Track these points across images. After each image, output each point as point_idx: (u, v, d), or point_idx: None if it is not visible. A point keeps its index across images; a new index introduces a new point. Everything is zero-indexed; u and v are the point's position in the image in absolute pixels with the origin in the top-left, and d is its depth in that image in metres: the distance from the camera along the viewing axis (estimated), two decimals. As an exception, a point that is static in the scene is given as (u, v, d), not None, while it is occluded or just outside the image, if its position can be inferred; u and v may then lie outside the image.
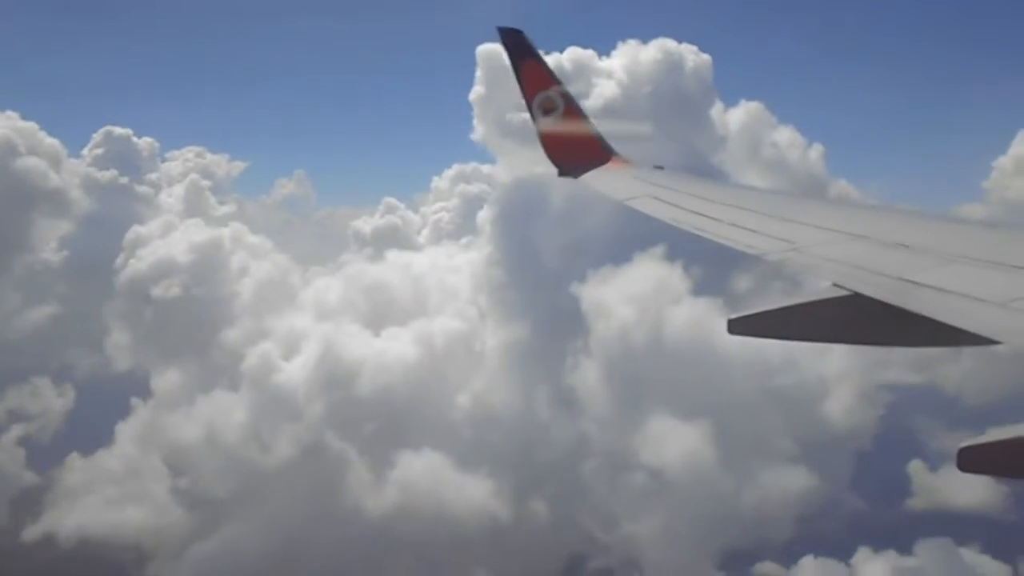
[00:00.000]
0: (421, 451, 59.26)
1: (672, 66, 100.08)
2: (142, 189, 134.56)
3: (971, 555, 58.23)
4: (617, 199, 9.30)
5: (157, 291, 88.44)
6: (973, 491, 77.70)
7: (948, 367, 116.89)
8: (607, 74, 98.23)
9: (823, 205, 8.04)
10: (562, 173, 11.14)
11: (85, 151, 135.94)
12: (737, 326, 5.19)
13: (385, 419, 61.86)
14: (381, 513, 54.74)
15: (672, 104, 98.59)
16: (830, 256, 5.70)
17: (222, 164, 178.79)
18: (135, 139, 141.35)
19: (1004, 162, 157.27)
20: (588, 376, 68.81)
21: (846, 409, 71.34)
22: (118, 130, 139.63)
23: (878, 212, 7.14)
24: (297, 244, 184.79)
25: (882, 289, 4.86)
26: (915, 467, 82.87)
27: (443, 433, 61.99)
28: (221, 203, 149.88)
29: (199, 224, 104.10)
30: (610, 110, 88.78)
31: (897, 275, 4.97)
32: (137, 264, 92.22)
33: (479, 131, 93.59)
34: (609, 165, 10.89)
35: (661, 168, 10.55)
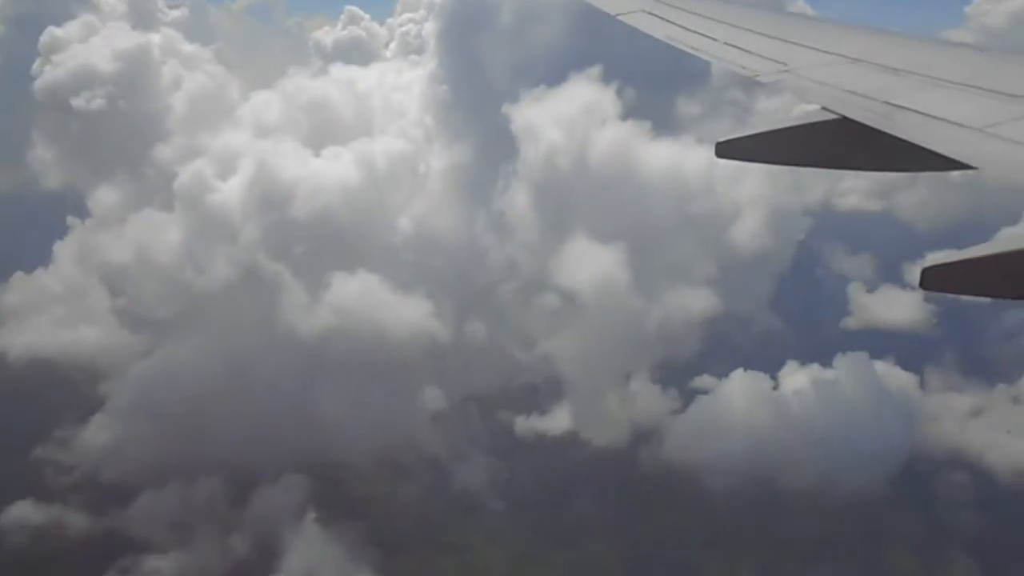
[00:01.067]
0: (357, 273, 60.03)
1: None
2: None
3: (885, 367, 61.82)
4: (609, 12, 8.93)
5: (79, 103, 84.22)
6: (904, 310, 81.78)
7: (906, 194, 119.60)
8: None
9: (820, 26, 7.77)
10: None
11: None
12: (725, 150, 5.21)
13: (322, 241, 61.96)
14: (318, 334, 56.15)
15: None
16: (821, 79, 5.64)
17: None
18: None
19: None
20: (517, 199, 69.35)
21: (763, 232, 72.59)
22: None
23: (872, 35, 6.99)
24: (259, 56, 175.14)
25: (869, 113, 4.83)
26: (854, 287, 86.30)
27: (382, 256, 62.38)
28: (172, 7, 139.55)
29: (124, 28, 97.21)
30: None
31: (884, 99, 4.95)
32: (55, 71, 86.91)
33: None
34: None
35: None
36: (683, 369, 65.48)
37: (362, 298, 58.30)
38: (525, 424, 61.49)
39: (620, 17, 8.65)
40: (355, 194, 68.94)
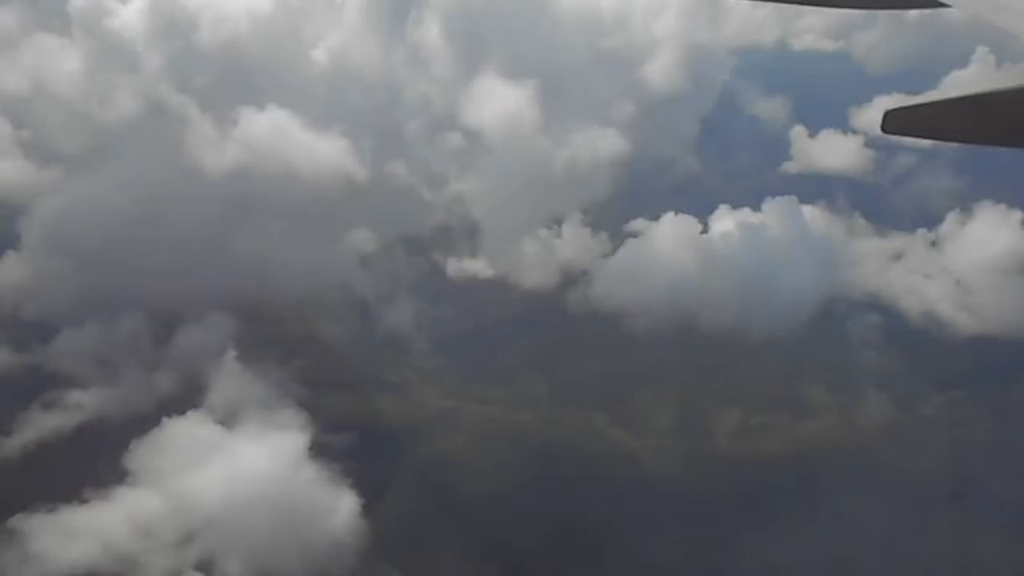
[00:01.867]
0: (268, 108, 57.28)
1: None
2: None
3: (814, 212, 62.48)
4: None
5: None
6: (844, 156, 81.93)
7: (862, 35, 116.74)
8: None
9: None
10: None
11: None
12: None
13: (231, 73, 58.46)
14: (228, 171, 54.12)
15: None
16: None
17: None
18: None
19: None
20: (430, 33, 66.17)
21: (685, 71, 70.66)
22: None
23: None
24: None
25: None
26: (796, 132, 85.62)
27: (294, 90, 59.34)
28: None
29: None
30: None
31: None
32: None
33: None
34: None
35: None
36: (616, 213, 65.47)
37: (273, 134, 55.92)
38: (456, 267, 61.62)
39: None
40: (266, 23, 65.07)
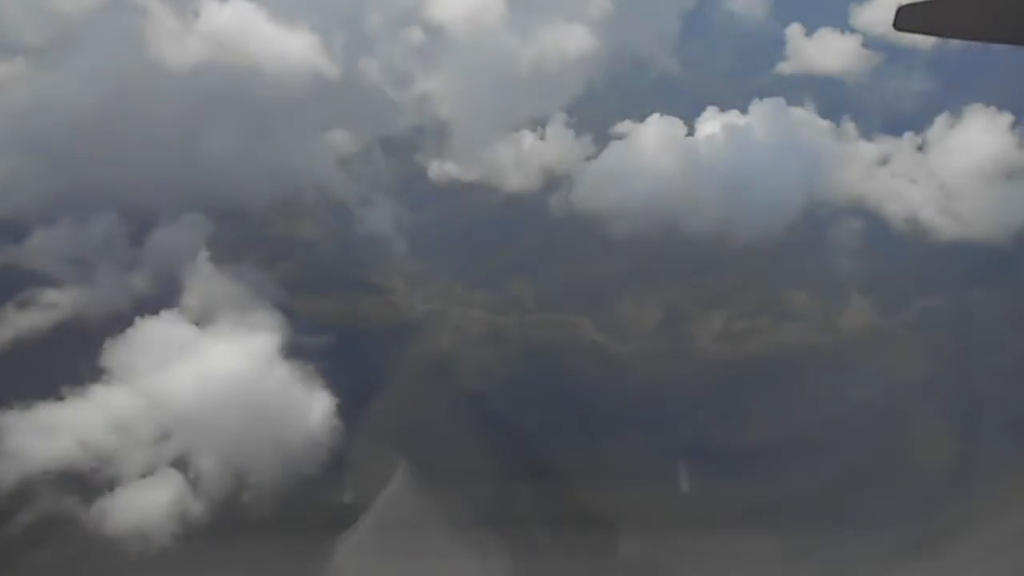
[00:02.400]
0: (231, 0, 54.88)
1: None
2: None
3: (803, 114, 61.10)
4: None
5: None
6: (840, 57, 79.38)
7: None
8: None
9: None
10: None
11: None
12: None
13: None
14: (191, 66, 52.18)
15: None
16: None
17: None
18: None
19: None
20: None
21: None
22: None
23: None
24: None
25: None
26: (792, 30, 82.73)
27: None
28: None
29: None
30: None
31: None
32: None
33: None
34: None
35: None
36: (602, 115, 63.99)
37: (237, 28, 54.00)
38: (438, 169, 60.61)
39: None
40: None
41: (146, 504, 34.22)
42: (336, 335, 46.40)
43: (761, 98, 60.19)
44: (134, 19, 53.72)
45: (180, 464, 36.00)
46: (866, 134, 61.19)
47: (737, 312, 53.12)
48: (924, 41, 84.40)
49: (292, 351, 41.56)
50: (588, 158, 60.07)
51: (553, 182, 59.16)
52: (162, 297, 44.92)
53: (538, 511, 34.91)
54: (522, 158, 60.45)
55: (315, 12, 55.91)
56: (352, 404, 40.09)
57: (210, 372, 38.37)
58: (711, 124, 59.87)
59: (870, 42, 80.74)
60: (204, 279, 45.90)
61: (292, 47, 54.81)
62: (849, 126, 61.71)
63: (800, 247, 56.17)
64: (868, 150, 60.43)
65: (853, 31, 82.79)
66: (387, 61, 58.98)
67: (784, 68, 78.09)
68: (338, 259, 53.96)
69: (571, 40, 61.60)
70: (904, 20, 3.59)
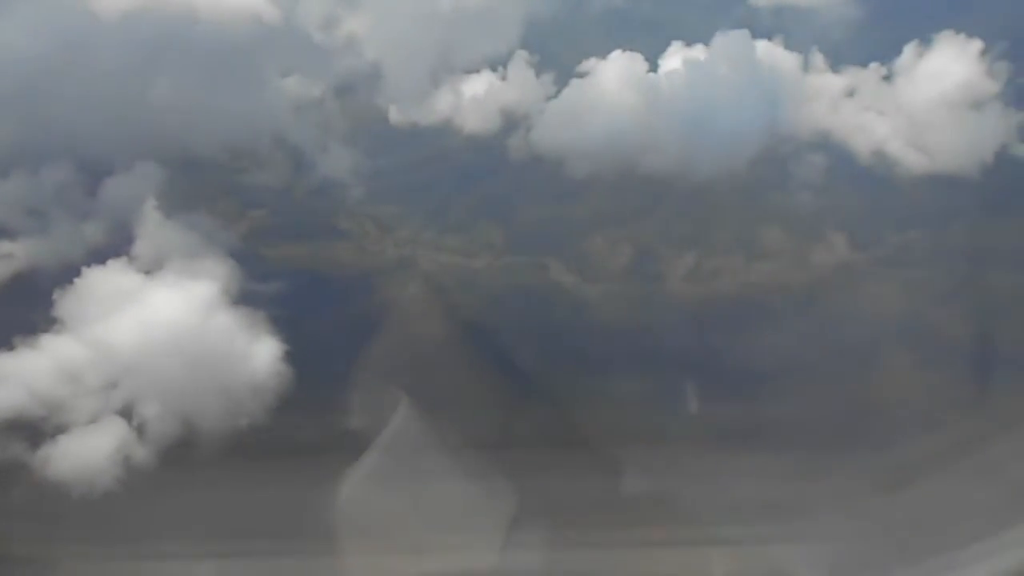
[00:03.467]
0: None
1: None
2: None
3: (768, 47, 59.44)
4: None
5: None
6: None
7: None
8: None
9: None
10: None
11: None
12: None
13: None
14: (126, 12, 51.08)
15: None
16: None
17: None
18: None
19: None
20: None
21: None
22: None
23: None
24: None
25: None
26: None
27: None
28: None
29: None
30: None
31: None
32: None
33: None
34: None
35: None
36: (564, 53, 62.56)
37: None
38: (396, 113, 59.70)
39: None
40: None
41: (91, 450, 34.91)
42: (291, 282, 46.69)
43: (725, 31, 58.45)
44: None
45: (126, 412, 36.77)
46: (834, 66, 59.79)
47: (706, 251, 52.71)
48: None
49: (242, 299, 42.07)
50: (549, 98, 58.91)
51: (513, 123, 58.28)
52: (113, 247, 45.07)
53: (534, 437, 35.67)
54: (482, 99, 59.38)
55: None
56: (301, 350, 40.63)
57: (155, 321, 38.69)
58: (674, 60, 58.46)
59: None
60: (155, 228, 45.88)
61: None
62: (818, 57, 60.18)
63: (765, 182, 55.62)
64: (835, 82, 59.12)
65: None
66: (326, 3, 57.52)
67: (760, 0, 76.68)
68: (295, 205, 53.64)
69: None
70: None
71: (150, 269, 43.93)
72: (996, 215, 52.34)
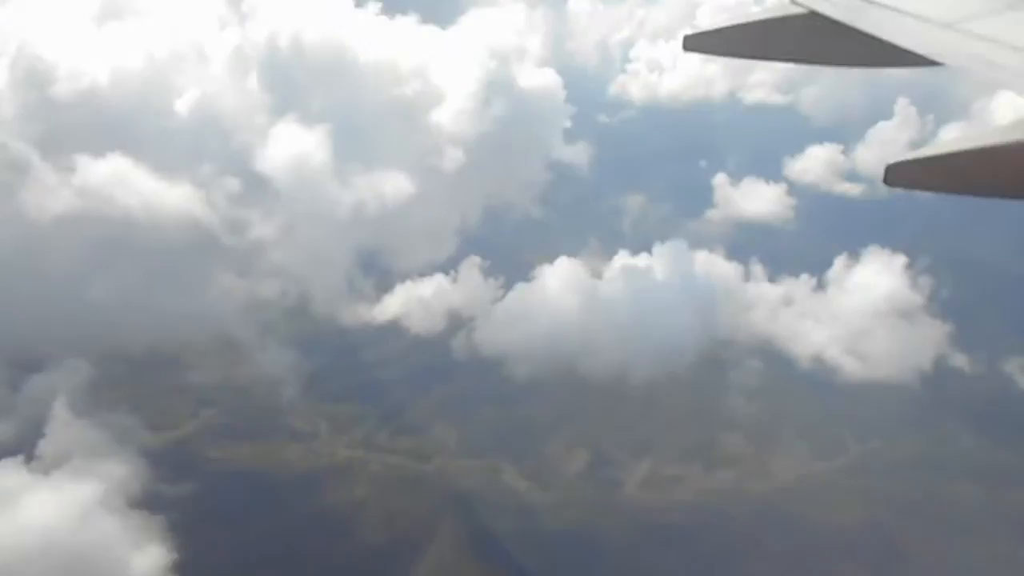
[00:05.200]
0: (109, 156, 57.30)
1: None
2: None
3: (709, 257, 61.69)
4: None
5: None
6: (765, 204, 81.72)
7: (808, 88, 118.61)
8: None
9: None
10: None
11: None
12: (693, 42, 5.18)
13: (85, 124, 59.01)
14: (68, 217, 53.79)
15: None
16: None
17: None
18: None
19: None
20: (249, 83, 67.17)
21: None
22: None
23: None
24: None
25: (837, 8, 4.87)
26: (720, 180, 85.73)
27: (150, 139, 59.64)
28: None
29: None
30: None
31: None
32: None
33: None
34: None
35: None
36: (518, 259, 65.07)
37: (114, 181, 56.13)
38: (349, 313, 60.89)
39: None
40: (131, 76, 66.49)
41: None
42: (202, 483, 45.04)
43: (665, 241, 60.83)
44: (14, 174, 55.85)
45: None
46: (772, 276, 61.70)
47: (658, 457, 51.58)
48: (848, 189, 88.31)
49: (145, 501, 40.21)
50: (495, 300, 60.18)
51: (459, 324, 59.08)
52: (17, 445, 43.76)
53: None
54: (431, 301, 60.66)
55: (202, 166, 58.12)
56: (195, 559, 38.29)
57: (39, 522, 36.67)
58: (617, 266, 60.40)
59: (795, 190, 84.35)
60: (63, 426, 44.81)
61: (170, 198, 56.61)
62: (757, 268, 62.30)
63: (701, 387, 55.31)
64: (775, 291, 60.64)
65: (785, 181, 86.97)
66: (269, 208, 60.34)
67: (714, 215, 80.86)
68: (251, 406, 53.01)
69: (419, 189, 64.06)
70: (893, 177, 3.75)
71: (48, 469, 42.61)
72: (939, 424, 51.80)
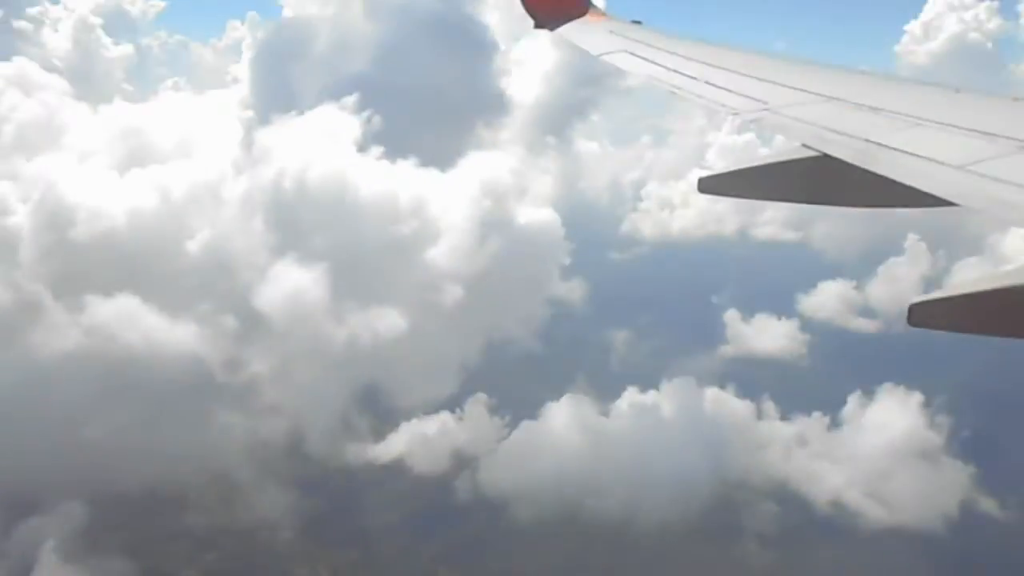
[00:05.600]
0: (117, 296, 58.94)
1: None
2: (19, 24, 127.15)
3: (720, 395, 60.55)
4: (593, 53, 9.21)
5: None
6: (777, 340, 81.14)
7: (820, 225, 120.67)
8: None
9: (796, 65, 7.82)
10: (538, 25, 10.74)
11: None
12: (707, 184, 5.25)
13: (99, 264, 61.06)
14: (76, 356, 54.52)
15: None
16: (801, 117, 5.75)
17: (137, 2, 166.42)
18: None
19: (915, 27, 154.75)
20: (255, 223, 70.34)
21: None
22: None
23: (848, 74, 7.21)
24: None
25: (850, 151, 4.92)
26: (731, 316, 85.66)
27: (157, 279, 61.54)
28: (117, 43, 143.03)
29: None
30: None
31: (864, 137, 5.04)
32: None
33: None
34: (586, 18, 10.61)
35: (639, 23, 10.20)
36: (525, 397, 64.32)
37: (121, 321, 57.32)
38: (353, 452, 59.94)
39: (603, 57, 8.84)
40: (145, 217, 69.48)
41: None
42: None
43: (673, 378, 60.04)
44: (26, 314, 57.18)
45: None
46: (785, 414, 60.24)
47: None
48: (863, 325, 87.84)
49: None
50: (500, 439, 59.04)
51: (463, 463, 57.85)
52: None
53: None
54: (435, 439, 59.65)
55: (208, 305, 59.21)
56: None
57: None
58: (624, 404, 59.41)
59: (808, 326, 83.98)
60: (55, 573, 43.52)
61: (176, 337, 57.57)
62: (769, 406, 60.99)
63: (712, 532, 52.90)
64: (788, 430, 59.02)
65: (797, 316, 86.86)
66: (268, 347, 60.75)
67: (726, 351, 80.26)
68: (244, 550, 51.56)
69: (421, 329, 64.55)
70: (917, 317, 3.70)
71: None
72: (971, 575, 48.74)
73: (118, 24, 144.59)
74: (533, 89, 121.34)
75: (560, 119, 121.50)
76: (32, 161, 75.46)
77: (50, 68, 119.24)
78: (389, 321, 62.80)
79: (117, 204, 69.16)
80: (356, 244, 67.67)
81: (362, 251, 67.42)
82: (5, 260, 62.12)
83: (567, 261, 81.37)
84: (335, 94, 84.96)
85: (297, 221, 69.76)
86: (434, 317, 65.00)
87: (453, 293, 66.96)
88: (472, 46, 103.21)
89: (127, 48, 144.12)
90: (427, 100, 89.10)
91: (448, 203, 75.65)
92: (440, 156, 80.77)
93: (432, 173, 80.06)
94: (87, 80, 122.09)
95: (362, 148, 78.87)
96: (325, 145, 76.84)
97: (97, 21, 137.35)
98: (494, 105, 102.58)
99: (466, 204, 76.11)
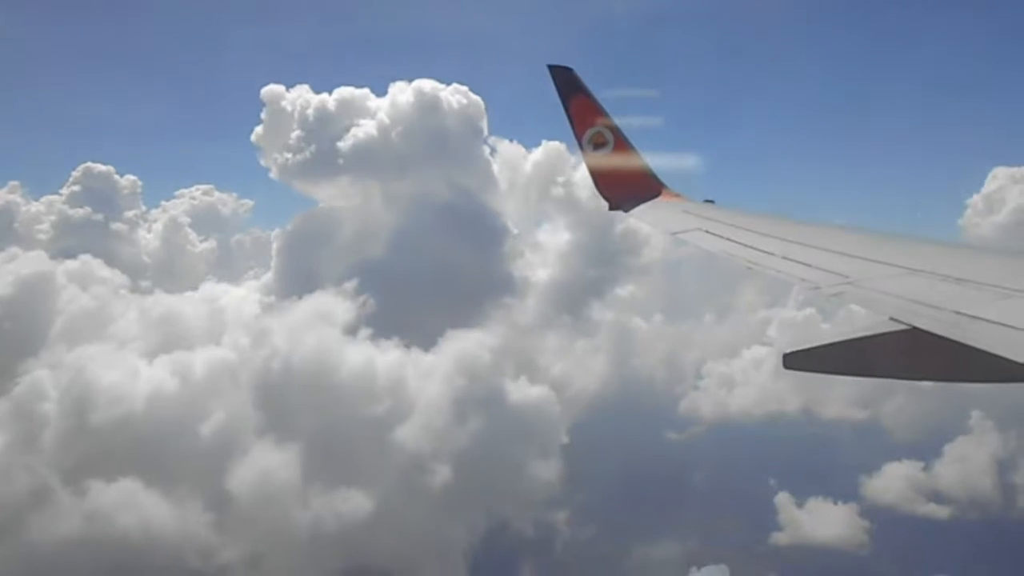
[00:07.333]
0: (123, 480, 58.57)
1: (430, 107, 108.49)
2: (116, 226, 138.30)
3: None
4: (668, 232, 9.45)
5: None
6: (834, 527, 74.53)
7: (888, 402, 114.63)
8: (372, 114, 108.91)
9: (874, 238, 7.86)
10: (612, 207, 11.05)
11: (63, 189, 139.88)
12: (793, 360, 5.17)
13: (112, 449, 61.67)
14: (59, 541, 53.71)
15: (432, 143, 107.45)
16: (886, 290, 5.73)
17: (228, 201, 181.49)
18: (116, 177, 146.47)
19: (977, 200, 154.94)
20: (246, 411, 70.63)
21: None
22: (98, 167, 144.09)
23: (931, 245, 7.20)
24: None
25: (940, 323, 4.89)
26: (783, 501, 79.63)
27: (166, 462, 61.51)
28: (203, 239, 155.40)
29: (40, 256, 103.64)
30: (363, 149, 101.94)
31: (953, 309, 5.00)
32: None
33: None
34: (660, 199, 10.91)
35: (712, 202, 10.45)
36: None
37: (123, 504, 56.70)
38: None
39: (678, 236, 8.96)
40: (162, 401, 69.94)
41: None
42: None
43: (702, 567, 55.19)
44: (32, 499, 57.51)
45: None
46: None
47: None
48: (932, 511, 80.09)
49: None
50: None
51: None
52: None
53: None
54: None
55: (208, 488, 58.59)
56: None
57: None
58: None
59: (868, 511, 77.25)
60: None
61: (178, 520, 57.13)
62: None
63: None
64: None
65: (858, 500, 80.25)
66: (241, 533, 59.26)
67: (780, 538, 74.12)
68: None
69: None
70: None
71: None
72: None
73: (207, 222, 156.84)
74: (548, 270, 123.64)
75: (578, 298, 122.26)
76: (73, 351, 78.75)
77: (139, 264, 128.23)
78: (362, 502, 61.33)
79: (138, 389, 70.63)
80: (339, 424, 67.60)
81: (345, 430, 67.05)
82: (28, 446, 63.51)
83: (564, 440, 78.20)
84: (342, 279, 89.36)
85: (282, 403, 70.23)
86: (416, 499, 62.79)
87: (441, 474, 65.33)
88: (482, 231, 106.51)
89: (210, 243, 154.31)
90: (433, 283, 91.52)
91: (430, 382, 75.89)
92: (434, 336, 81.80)
93: (416, 353, 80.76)
94: (170, 273, 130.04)
95: (351, 331, 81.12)
96: (315, 329, 79.37)
97: (186, 220, 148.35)
98: (501, 286, 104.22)
99: (446, 383, 76.11)
